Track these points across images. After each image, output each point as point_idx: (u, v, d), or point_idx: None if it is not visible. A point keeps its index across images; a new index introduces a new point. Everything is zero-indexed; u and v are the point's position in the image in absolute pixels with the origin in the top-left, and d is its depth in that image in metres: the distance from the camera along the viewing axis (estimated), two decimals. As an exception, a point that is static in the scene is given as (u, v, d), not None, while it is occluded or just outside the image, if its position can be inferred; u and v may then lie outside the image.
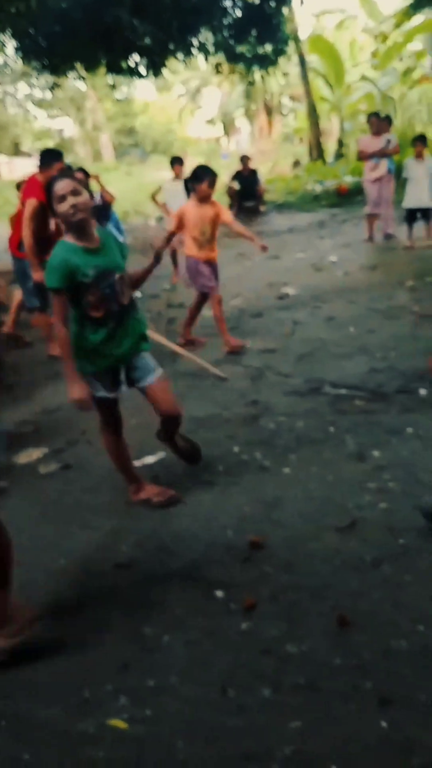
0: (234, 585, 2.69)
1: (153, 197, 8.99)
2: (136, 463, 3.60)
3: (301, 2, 11.75)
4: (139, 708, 2.16)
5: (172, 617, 2.55)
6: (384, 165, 9.52)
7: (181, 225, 5.59)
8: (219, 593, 2.65)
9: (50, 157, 5.74)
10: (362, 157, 9.92)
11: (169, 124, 36.24)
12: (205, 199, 5.48)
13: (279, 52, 12.20)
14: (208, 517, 3.23)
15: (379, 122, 9.73)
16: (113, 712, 2.15)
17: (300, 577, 2.70)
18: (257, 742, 2.00)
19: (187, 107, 34.40)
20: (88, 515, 3.31)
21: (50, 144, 33.11)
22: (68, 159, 33.73)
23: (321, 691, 2.14)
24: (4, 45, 10.83)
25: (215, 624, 2.49)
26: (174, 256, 8.79)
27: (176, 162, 8.73)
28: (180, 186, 8.62)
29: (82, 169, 7.85)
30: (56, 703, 2.22)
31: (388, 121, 10.12)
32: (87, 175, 7.76)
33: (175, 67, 13.40)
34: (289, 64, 19.58)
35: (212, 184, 5.46)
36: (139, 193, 14.77)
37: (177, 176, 8.63)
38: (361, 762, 1.91)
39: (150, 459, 3.89)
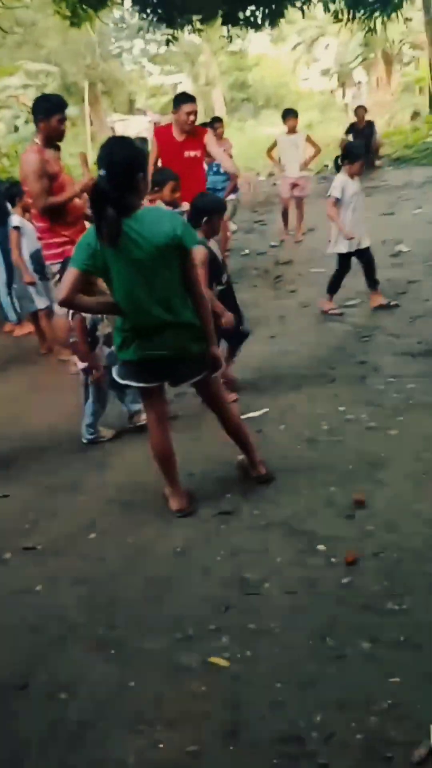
0: (336, 540, 2.70)
1: (269, 153, 8.80)
2: (242, 417, 3.64)
3: None
4: (239, 648, 2.24)
5: (273, 565, 2.61)
6: None
7: None
8: (320, 546, 2.67)
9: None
10: None
11: (282, 78, 35.27)
12: None
13: (403, -6, 11.45)
14: (310, 472, 3.25)
15: None
16: (215, 650, 2.24)
17: (403, 537, 2.67)
18: (354, 692, 2.02)
19: (302, 59, 33.29)
20: (194, 464, 3.40)
21: (164, 100, 33.15)
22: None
23: (421, 649, 2.13)
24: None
25: (316, 575, 2.52)
26: (285, 213, 8.65)
27: (290, 114, 8.41)
28: (295, 139, 8.39)
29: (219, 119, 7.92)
30: (162, 637, 2.34)
31: None
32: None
33: (291, 17, 12.88)
34: (412, 8, 18.40)
35: None
36: (251, 149, 14.56)
37: (291, 130, 8.37)
38: (460, 722, 1.89)
39: (254, 414, 3.93)
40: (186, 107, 5.46)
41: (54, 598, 2.64)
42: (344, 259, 5.48)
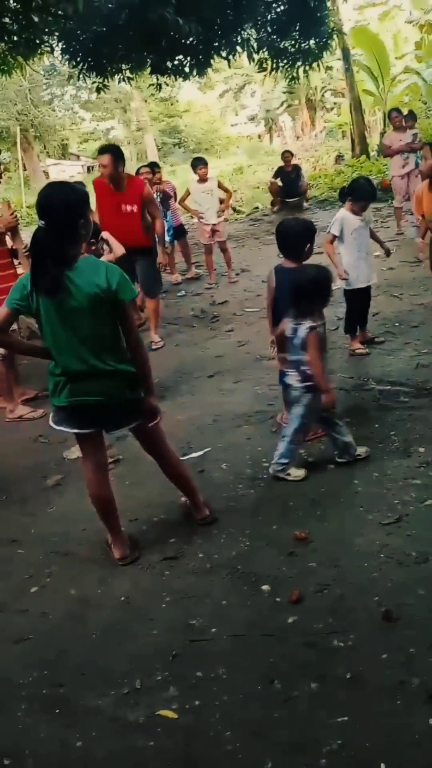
0: (279, 578, 2.71)
1: (182, 203, 8.99)
2: (183, 458, 3.64)
3: (346, -4, 11.52)
4: (188, 698, 2.20)
5: (219, 609, 2.60)
6: (412, 160, 9.48)
7: None
8: (265, 587, 2.68)
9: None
10: (387, 153, 10.00)
11: (211, 123, 36.32)
12: None
13: (323, 46, 12.04)
14: (252, 511, 3.26)
15: (403, 117, 9.79)
16: (163, 702, 2.20)
17: (345, 572, 2.71)
18: (304, 734, 2.02)
19: (230, 105, 34.43)
20: (136, 508, 3.37)
21: (96, 145, 33.47)
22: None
23: (367, 685, 2.15)
24: (52, 48, 10.98)
25: (262, 616, 2.52)
26: (209, 257, 8.79)
27: (199, 163, 8.59)
28: (208, 186, 8.58)
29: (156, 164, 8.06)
30: (109, 692, 2.28)
31: (412, 116, 10.06)
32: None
33: (218, 66, 13.37)
34: (332, 58, 19.37)
35: None
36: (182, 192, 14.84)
37: (202, 178, 8.56)
38: (409, 758, 1.90)
39: (195, 454, 3.94)
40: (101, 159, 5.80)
41: (-6, 659, 2.54)
42: (352, 296, 5.28)
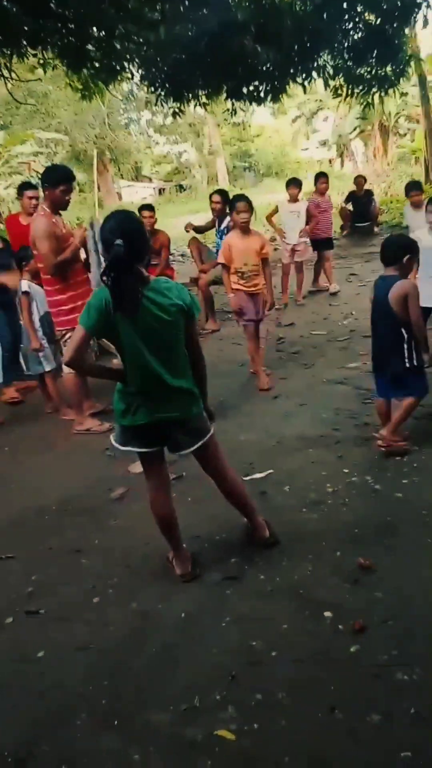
0: (343, 606, 2.66)
1: (269, 218, 9.01)
2: (245, 479, 3.64)
3: (424, 24, 11.39)
4: (246, 720, 2.18)
5: (280, 633, 2.57)
6: None
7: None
8: (327, 613, 2.63)
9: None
10: None
11: (282, 147, 36.61)
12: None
13: (399, 73, 11.99)
14: (316, 536, 3.22)
15: None
16: (221, 722, 2.19)
17: (411, 605, 2.64)
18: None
19: (302, 130, 34.63)
20: (198, 525, 3.39)
21: (169, 168, 34.29)
22: (185, 182, 34.50)
23: (433, 723, 2.08)
24: (132, 74, 11.33)
25: (323, 644, 2.48)
26: (286, 278, 8.84)
27: (293, 183, 8.67)
28: (297, 207, 8.66)
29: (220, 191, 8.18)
30: (167, 708, 2.28)
31: None
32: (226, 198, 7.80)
33: (292, 91, 13.50)
34: (408, 84, 19.25)
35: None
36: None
37: (292, 198, 8.62)
38: None
39: (258, 475, 3.93)
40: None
41: (57, 666, 2.58)
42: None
